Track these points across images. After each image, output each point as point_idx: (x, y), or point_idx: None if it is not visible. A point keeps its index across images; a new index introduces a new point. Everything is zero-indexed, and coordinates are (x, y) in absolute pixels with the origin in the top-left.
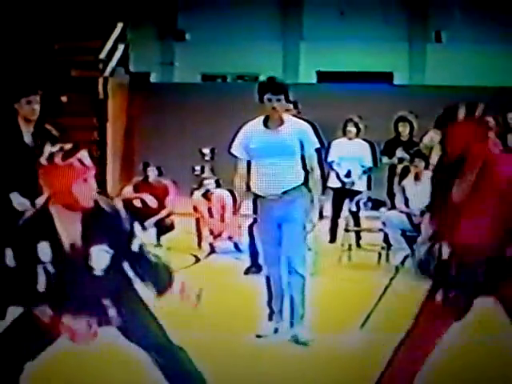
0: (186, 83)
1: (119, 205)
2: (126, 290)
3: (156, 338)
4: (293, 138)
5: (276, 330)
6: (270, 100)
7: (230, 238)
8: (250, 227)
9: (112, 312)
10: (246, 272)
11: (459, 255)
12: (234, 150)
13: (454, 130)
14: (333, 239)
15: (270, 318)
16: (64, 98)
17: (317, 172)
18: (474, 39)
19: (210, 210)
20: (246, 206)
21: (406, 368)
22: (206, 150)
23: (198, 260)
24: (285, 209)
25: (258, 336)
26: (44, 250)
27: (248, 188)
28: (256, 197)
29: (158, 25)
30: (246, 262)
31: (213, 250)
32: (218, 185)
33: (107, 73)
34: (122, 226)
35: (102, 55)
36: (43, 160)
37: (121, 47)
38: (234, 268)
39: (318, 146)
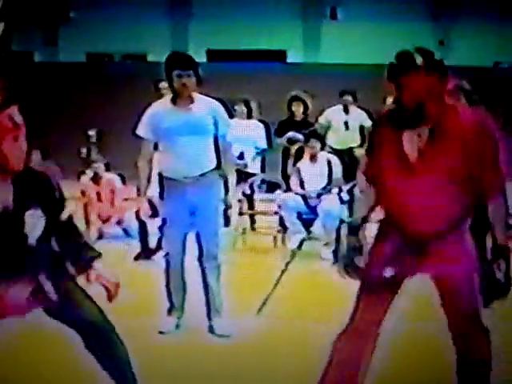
0: (70, 63)
1: (51, 169)
2: (59, 264)
3: (91, 317)
4: (206, 116)
5: (177, 326)
6: (179, 76)
7: (118, 223)
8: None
9: (48, 287)
10: (136, 258)
11: (400, 227)
12: (139, 132)
13: (411, 77)
14: (226, 223)
15: (170, 313)
16: None
17: (230, 152)
18: (369, 16)
19: (98, 194)
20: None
21: (352, 362)
22: (92, 132)
23: None
24: (200, 193)
25: (161, 332)
26: None
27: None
28: (165, 180)
29: (41, 2)
30: (136, 247)
31: (101, 236)
32: (107, 168)
33: None
34: (55, 191)
35: None
36: None
37: (1, 26)
38: (124, 254)
39: (230, 124)
